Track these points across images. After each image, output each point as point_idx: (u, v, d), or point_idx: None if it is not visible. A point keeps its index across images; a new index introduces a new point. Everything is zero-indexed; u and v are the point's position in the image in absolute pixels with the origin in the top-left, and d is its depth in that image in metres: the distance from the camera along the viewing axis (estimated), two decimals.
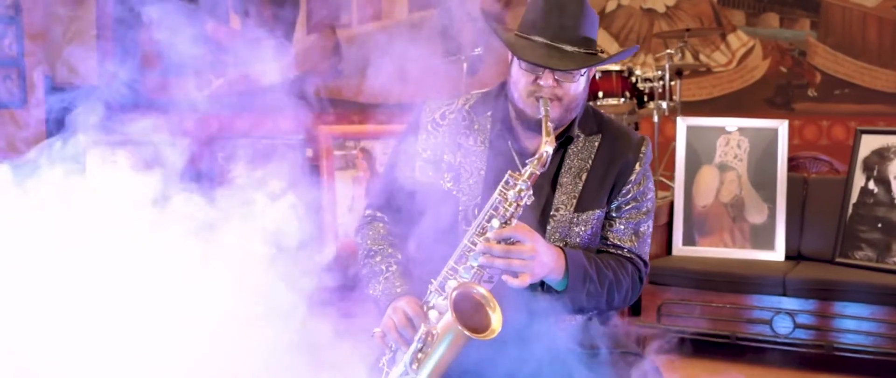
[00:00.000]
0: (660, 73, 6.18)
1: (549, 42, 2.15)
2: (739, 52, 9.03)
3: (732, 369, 4.51)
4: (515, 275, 2.06)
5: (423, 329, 2.06)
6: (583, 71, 2.20)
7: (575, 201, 2.27)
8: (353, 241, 2.49)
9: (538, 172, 2.09)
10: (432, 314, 2.11)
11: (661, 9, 9.16)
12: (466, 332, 2.00)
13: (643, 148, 2.34)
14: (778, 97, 8.94)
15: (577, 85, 2.21)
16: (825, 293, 4.41)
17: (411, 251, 2.42)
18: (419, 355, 2.06)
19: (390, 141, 4.86)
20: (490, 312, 2.04)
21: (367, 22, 8.82)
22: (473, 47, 5.43)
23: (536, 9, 2.18)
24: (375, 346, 2.27)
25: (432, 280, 2.15)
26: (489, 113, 2.33)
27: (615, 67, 6.23)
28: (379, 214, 2.43)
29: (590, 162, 2.29)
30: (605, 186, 2.29)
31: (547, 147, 2.08)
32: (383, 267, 2.30)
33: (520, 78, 2.21)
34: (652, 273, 4.72)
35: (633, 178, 2.31)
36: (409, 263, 2.40)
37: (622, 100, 6.11)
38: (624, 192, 2.30)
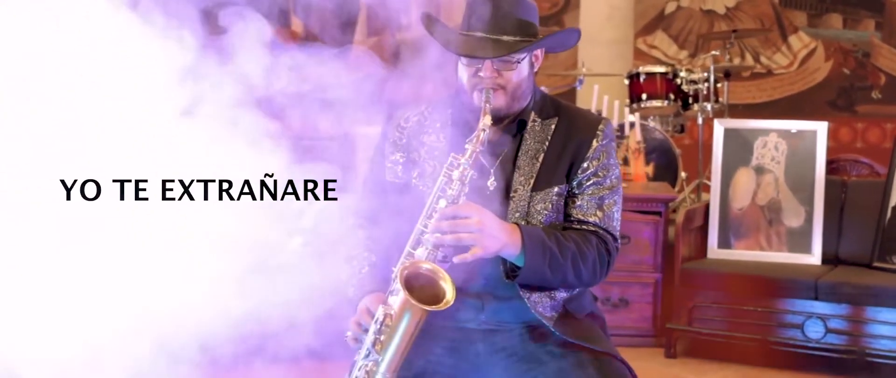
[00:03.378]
0: (705, 74, 6.14)
1: (484, 35, 2.26)
2: (801, 54, 8.89)
3: (763, 374, 4.47)
4: (466, 249, 2.15)
5: (380, 311, 2.15)
6: (522, 57, 2.29)
7: (532, 181, 2.34)
8: None
9: (479, 150, 2.19)
10: (392, 299, 2.19)
11: (721, 10, 9.07)
12: (421, 306, 2.09)
13: (601, 126, 2.40)
14: (840, 99, 8.79)
15: (518, 72, 2.31)
16: (858, 298, 4.34)
17: (390, 249, 2.52)
18: (381, 337, 2.14)
19: None
20: (442, 283, 2.13)
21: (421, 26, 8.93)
22: None
23: (471, 5, 2.29)
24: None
25: (393, 269, 2.24)
26: (449, 111, 2.43)
27: (660, 69, 6.22)
28: (359, 221, 2.52)
29: (546, 143, 2.37)
30: (561, 165, 2.36)
31: (483, 126, 2.19)
32: (358, 270, 2.40)
33: (463, 72, 2.33)
34: (684, 275, 4.71)
35: (590, 154, 2.36)
36: (390, 261, 2.50)
37: (666, 102, 6.10)
38: (583, 167, 2.36)
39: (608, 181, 2.38)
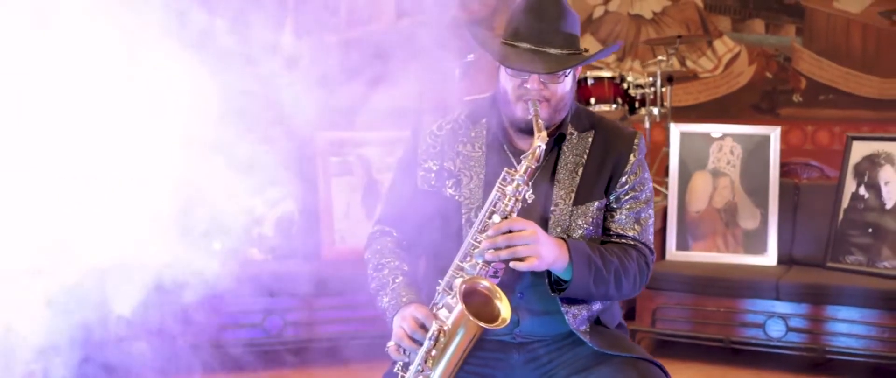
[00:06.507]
0: (651, 79, 6.25)
1: (532, 47, 2.24)
2: (725, 58, 9.10)
3: (726, 373, 4.57)
4: (522, 260, 2.15)
5: (434, 326, 2.13)
6: (568, 71, 2.29)
7: (573, 195, 2.34)
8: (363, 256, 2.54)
9: (534, 166, 2.19)
10: (442, 313, 2.17)
11: (649, 15, 9.22)
12: (479, 322, 2.07)
13: (636, 140, 2.42)
14: (763, 102, 9.02)
15: (563, 85, 2.31)
16: (817, 297, 4.47)
17: (421, 260, 2.48)
18: (433, 353, 2.12)
19: (387, 146, 4.90)
20: (498, 303, 2.13)
21: (355, 27, 8.86)
22: (465, 54, 5.43)
23: (518, 16, 2.28)
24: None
25: (439, 281, 2.22)
26: (484, 119, 2.41)
27: (607, 74, 6.29)
28: (386, 228, 2.49)
29: (585, 156, 2.37)
30: (601, 179, 2.37)
31: (540, 142, 2.18)
32: (390, 279, 2.36)
33: (507, 83, 2.31)
34: None
35: (628, 168, 2.38)
36: (420, 272, 2.46)
37: (614, 106, 6.17)
38: (621, 182, 2.38)
39: (644, 195, 2.41)
